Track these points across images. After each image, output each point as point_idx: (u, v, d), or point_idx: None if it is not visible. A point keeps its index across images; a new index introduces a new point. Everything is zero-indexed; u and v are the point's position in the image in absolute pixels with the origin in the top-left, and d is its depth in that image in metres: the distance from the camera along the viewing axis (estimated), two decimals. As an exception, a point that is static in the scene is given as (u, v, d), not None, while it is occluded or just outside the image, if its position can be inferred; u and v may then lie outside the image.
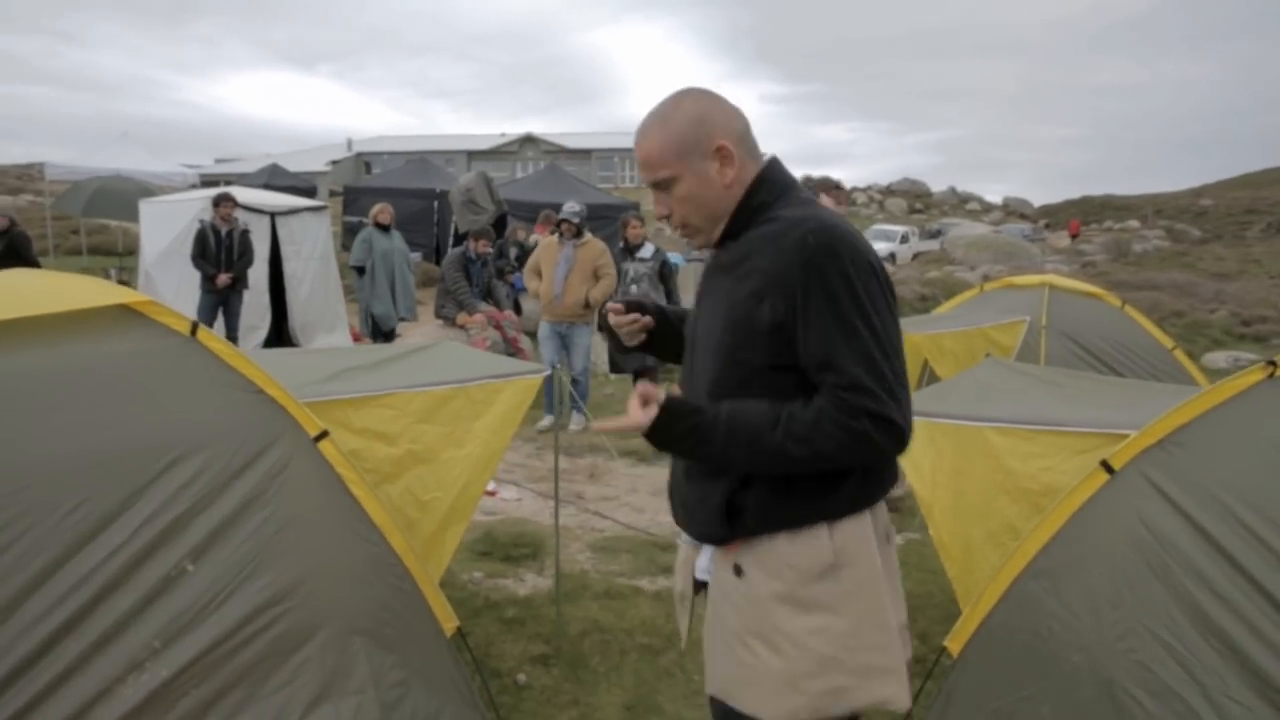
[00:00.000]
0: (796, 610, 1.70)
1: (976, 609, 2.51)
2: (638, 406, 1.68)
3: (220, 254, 9.02)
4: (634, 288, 7.79)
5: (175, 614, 2.21)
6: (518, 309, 10.91)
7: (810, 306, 1.63)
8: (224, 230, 9.04)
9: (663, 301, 6.90)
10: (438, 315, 9.07)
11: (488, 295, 8.86)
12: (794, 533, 1.71)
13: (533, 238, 14.07)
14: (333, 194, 24.90)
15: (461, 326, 8.48)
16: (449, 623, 2.58)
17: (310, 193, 19.63)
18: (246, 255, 9.25)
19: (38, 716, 2.01)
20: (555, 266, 7.33)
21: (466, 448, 3.00)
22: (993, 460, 2.86)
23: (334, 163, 47.34)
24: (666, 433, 1.70)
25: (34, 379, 2.31)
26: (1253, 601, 2.14)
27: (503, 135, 54.91)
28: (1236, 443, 2.31)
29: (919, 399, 4.38)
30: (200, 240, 8.96)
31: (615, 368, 9.84)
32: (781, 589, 1.71)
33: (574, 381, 7.35)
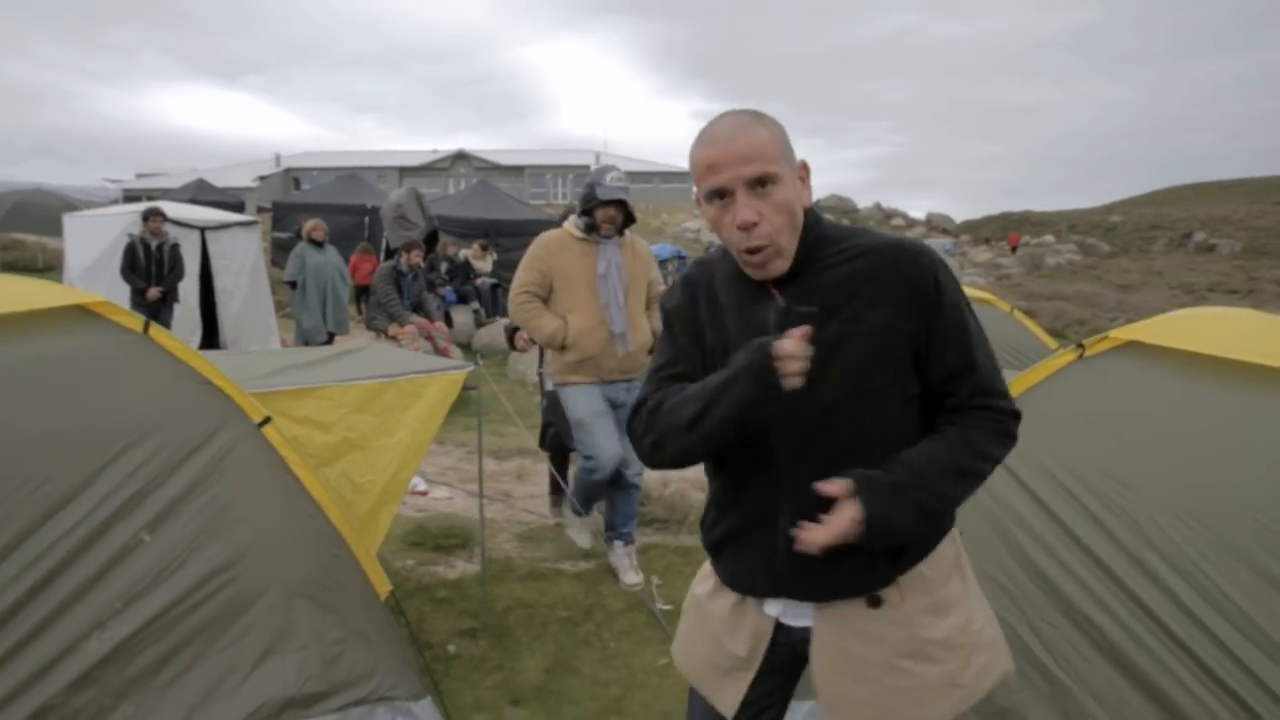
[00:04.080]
0: (939, 616, 1.70)
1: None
2: (835, 508, 1.55)
3: (150, 268, 9.10)
4: None
5: (134, 579, 2.46)
6: (449, 321, 11.14)
7: (945, 320, 1.63)
8: (154, 244, 9.12)
9: None
10: (368, 327, 9.27)
11: (419, 308, 9.10)
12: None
13: (463, 253, 14.33)
14: (261, 210, 24.70)
15: (393, 338, 8.70)
16: (383, 587, 2.87)
17: (238, 208, 19.51)
18: (177, 269, 9.33)
19: (8, 672, 2.25)
20: (598, 282, 4.15)
21: (397, 436, 3.31)
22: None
23: (262, 178, 46.73)
24: (877, 508, 1.54)
25: (-2, 372, 2.54)
26: (1065, 545, 2.56)
27: (435, 152, 54.84)
28: (1053, 414, 2.73)
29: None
30: (129, 254, 9.03)
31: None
32: (927, 601, 1.69)
33: (630, 485, 4.34)
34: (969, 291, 7.81)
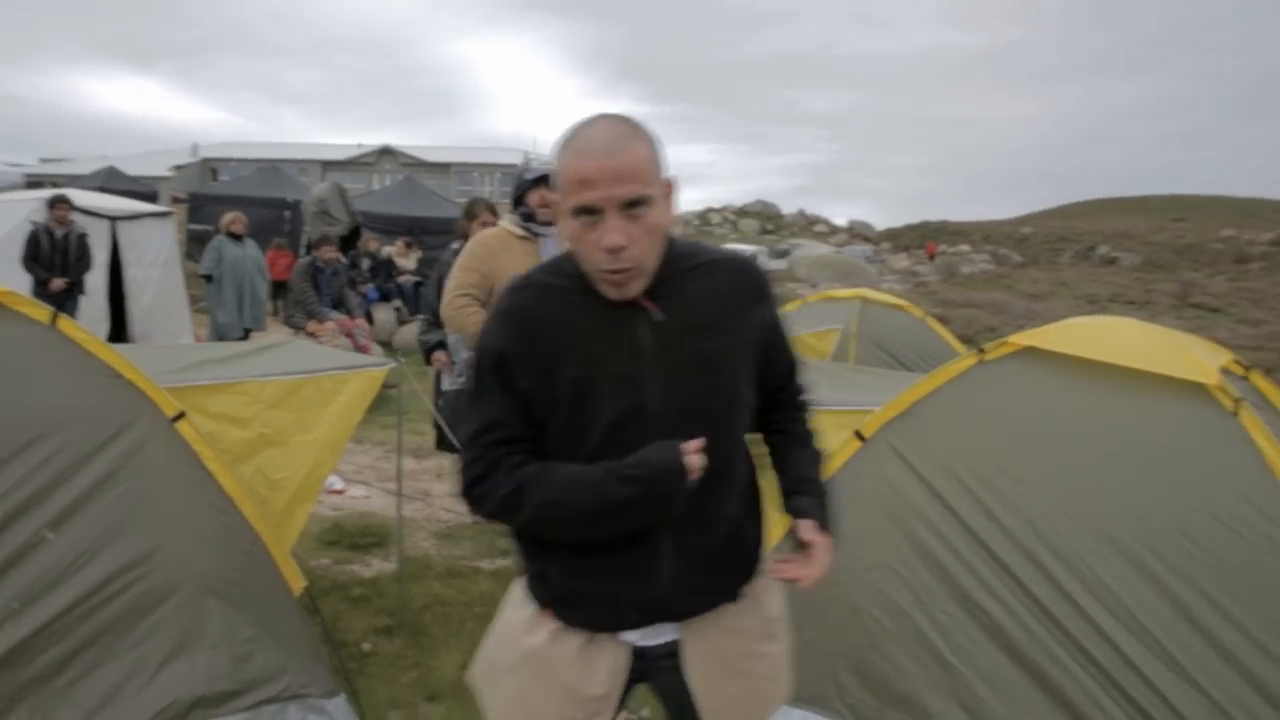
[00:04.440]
0: (771, 591, 1.78)
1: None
2: (812, 547, 1.61)
3: (54, 258, 8.73)
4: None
5: (35, 578, 2.41)
6: (369, 318, 10.99)
7: (778, 323, 1.73)
8: (59, 234, 8.76)
9: None
10: (287, 324, 9.09)
11: (340, 304, 8.96)
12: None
13: (386, 250, 14.13)
14: (176, 200, 23.87)
15: (312, 335, 8.55)
16: (297, 583, 2.85)
17: (151, 198, 18.81)
18: (84, 260, 8.97)
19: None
20: None
21: (315, 432, 3.28)
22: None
23: (178, 168, 45.09)
24: (834, 531, 1.69)
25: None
26: (961, 538, 2.69)
27: (359, 146, 53.77)
28: (954, 414, 2.88)
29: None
30: (32, 243, 8.65)
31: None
32: (762, 580, 1.76)
33: None
34: (890, 298, 8.04)
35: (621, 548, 1.59)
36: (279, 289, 12.47)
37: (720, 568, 1.67)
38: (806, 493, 1.71)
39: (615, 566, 1.61)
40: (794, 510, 1.68)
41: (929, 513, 2.77)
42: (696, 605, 1.67)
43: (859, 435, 2.94)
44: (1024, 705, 2.44)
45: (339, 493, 5.65)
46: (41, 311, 2.73)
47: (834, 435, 3.23)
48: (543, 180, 3.79)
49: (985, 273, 39.17)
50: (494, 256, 3.80)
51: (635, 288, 1.54)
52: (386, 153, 52.67)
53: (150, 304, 10.46)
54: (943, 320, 15.02)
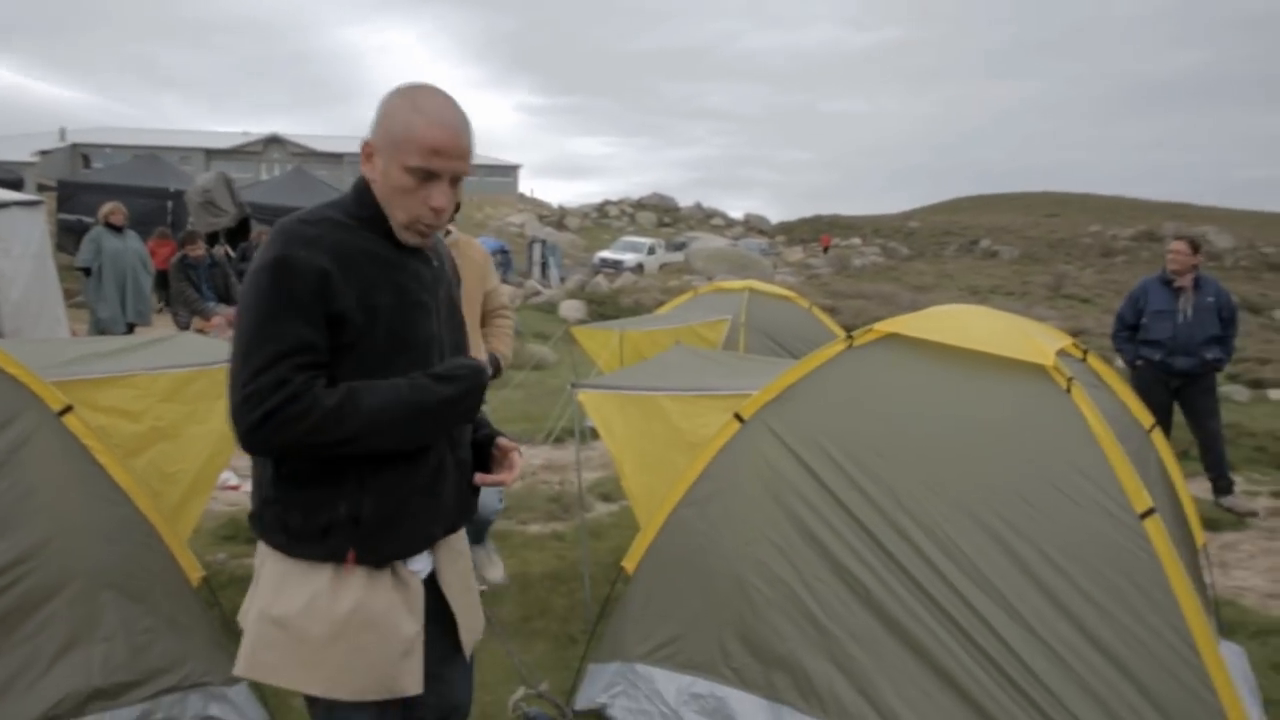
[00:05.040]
0: None
1: (645, 536, 3.18)
2: (511, 453, 1.97)
3: None
4: None
5: (-81, 574, 2.38)
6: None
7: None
8: None
9: None
10: (174, 322, 8.83)
11: (227, 297, 8.75)
12: None
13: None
14: (43, 188, 22.58)
15: (200, 331, 8.33)
16: (195, 574, 2.88)
17: (15, 185, 17.77)
18: None
19: None
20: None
21: (209, 424, 3.28)
22: (666, 422, 3.56)
23: (43, 153, 42.55)
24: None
25: None
26: (833, 510, 2.91)
27: (245, 134, 51.88)
28: (825, 396, 3.10)
29: (614, 377, 5.09)
30: None
31: None
32: None
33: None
34: (777, 289, 8.31)
35: (420, 463, 1.77)
36: (161, 278, 12.03)
37: (470, 481, 1.92)
38: (486, 426, 2.02)
39: (418, 485, 1.77)
40: (491, 436, 1.98)
41: (803, 488, 2.98)
42: (467, 511, 1.94)
43: (738, 417, 3.14)
44: (890, 660, 2.68)
45: (234, 489, 5.58)
46: (-82, 305, 2.67)
47: (716, 418, 3.44)
48: None
49: (875, 265, 40.59)
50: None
51: (430, 240, 1.82)
52: (274, 141, 50.96)
53: (21, 299, 9.94)
54: (832, 311, 15.58)
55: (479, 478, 1.92)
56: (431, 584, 1.87)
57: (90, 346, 3.57)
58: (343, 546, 1.71)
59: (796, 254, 45.52)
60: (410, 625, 1.78)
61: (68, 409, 2.76)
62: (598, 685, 3.13)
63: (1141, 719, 2.35)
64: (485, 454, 1.98)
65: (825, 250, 46.23)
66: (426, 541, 1.83)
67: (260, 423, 1.60)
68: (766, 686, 2.85)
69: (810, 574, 2.89)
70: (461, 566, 1.97)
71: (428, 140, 1.66)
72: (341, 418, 1.62)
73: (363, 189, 1.76)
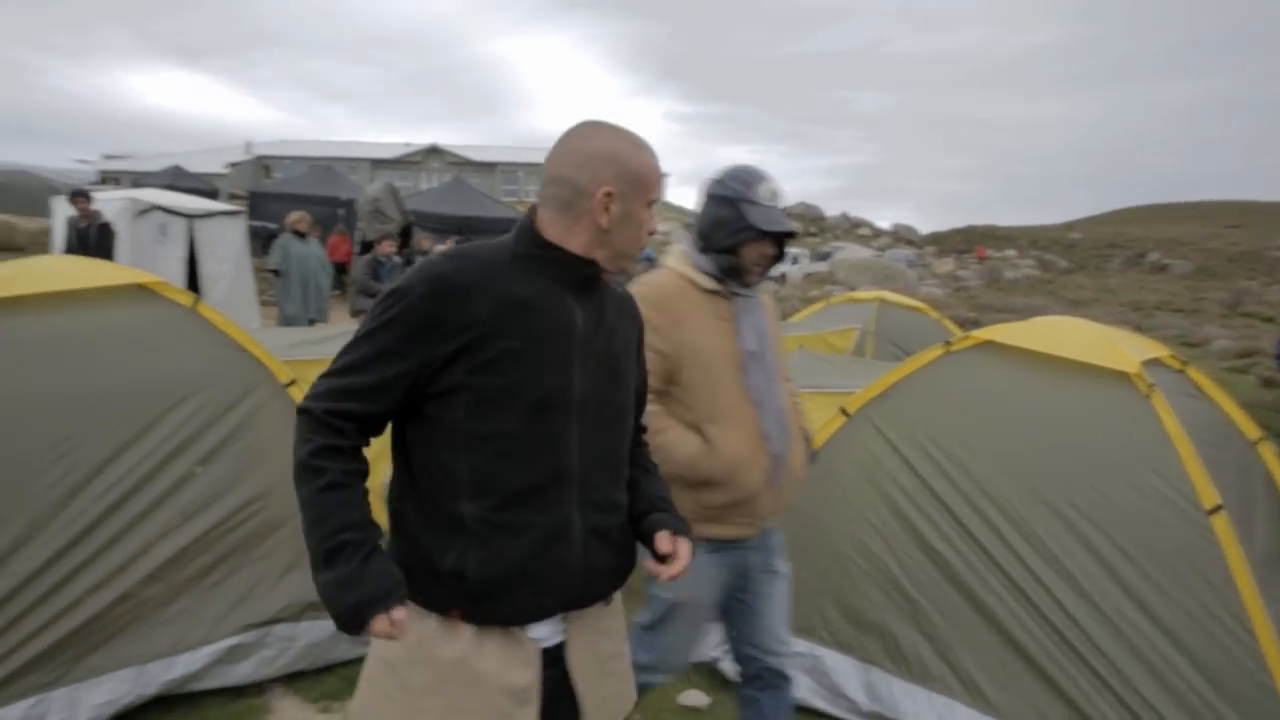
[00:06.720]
0: (618, 599, 1.88)
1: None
2: (672, 548, 1.74)
3: (81, 250, 9.47)
4: None
5: (189, 502, 3.10)
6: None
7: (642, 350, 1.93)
8: (83, 225, 9.50)
9: None
10: (353, 314, 9.84)
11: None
12: None
13: (437, 248, 14.90)
14: (234, 197, 25.00)
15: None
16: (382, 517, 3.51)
17: (212, 195, 19.88)
18: (104, 247, 9.58)
19: (98, 566, 2.87)
20: (745, 364, 2.38)
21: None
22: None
23: (233, 164, 46.68)
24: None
25: (71, 338, 3.14)
26: (924, 496, 3.26)
27: (407, 145, 55.12)
28: (923, 396, 3.45)
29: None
30: (70, 236, 9.46)
31: None
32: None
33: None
34: (908, 300, 8.57)
35: (538, 527, 1.62)
36: (339, 270, 13.30)
37: (619, 550, 1.76)
38: (662, 509, 1.83)
39: (534, 549, 1.62)
40: (652, 525, 1.78)
41: (899, 475, 3.34)
42: (600, 592, 1.73)
43: (844, 411, 3.52)
44: (969, 630, 3.02)
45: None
46: (185, 297, 3.42)
47: (824, 413, 3.83)
48: (772, 235, 2.37)
49: (1029, 278, 39.13)
50: (680, 323, 2.34)
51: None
52: (434, 152, 53.81)
53: (223, 297, 11.31)
54: (974, 324, 15.34)
55: (646, 566, 1.75)
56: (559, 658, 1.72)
57: (304, 335, 4.32)
58: (449, 601, 1.62)
59: (947, 265, 44.35)
60: (519, 678, 1.64)
61: (292, 382, 3.44)
62: (710, 640, 3.58)
63: (1191, 686, 2.61)
64: (649, 528, 1.78)
65: (980, 261, 44.89)
66: (542, 611, 1.66)
67: (300, 419, 1.66)
68: (859, 649, 3.23)
69: (902, 551, 3.25)
70: (603, 649, 1.78)
71: (654, 172, 1.73)
72: (302, 483, 1.59)
73: (529, 228, 1.68)
